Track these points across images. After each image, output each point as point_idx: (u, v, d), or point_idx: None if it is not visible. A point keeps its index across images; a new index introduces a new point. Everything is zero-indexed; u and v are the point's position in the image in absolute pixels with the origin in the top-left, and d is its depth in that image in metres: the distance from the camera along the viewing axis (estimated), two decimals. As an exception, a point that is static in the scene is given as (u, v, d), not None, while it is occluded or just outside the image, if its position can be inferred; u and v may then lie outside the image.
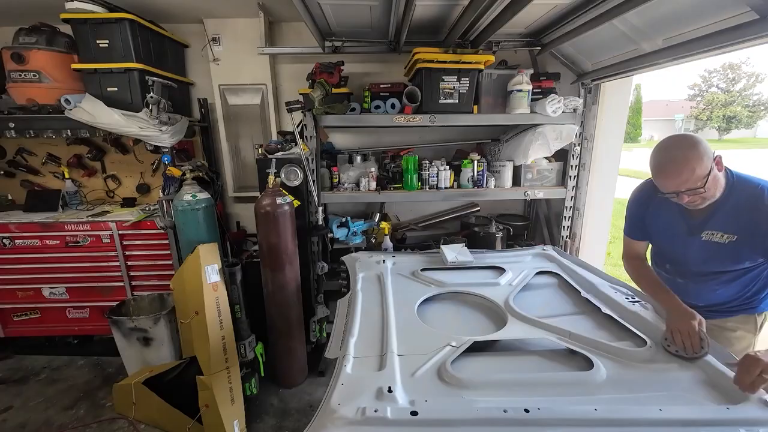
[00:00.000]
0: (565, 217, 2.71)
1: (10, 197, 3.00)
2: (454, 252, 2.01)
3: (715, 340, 1.23)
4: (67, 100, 2.27)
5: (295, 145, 2.36)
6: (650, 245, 1.65)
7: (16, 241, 2.59)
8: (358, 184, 2.62)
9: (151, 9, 2.44)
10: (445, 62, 2.26)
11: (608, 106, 2.65)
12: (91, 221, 2.59)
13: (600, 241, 2.99)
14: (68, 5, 2.20)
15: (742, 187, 1.31)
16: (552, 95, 2.41)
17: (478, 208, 3.04)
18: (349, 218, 2.76)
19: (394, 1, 1.86)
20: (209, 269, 2.07)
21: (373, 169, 2.58)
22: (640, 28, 1.89)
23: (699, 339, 1.15)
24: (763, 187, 1.28)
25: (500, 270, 1.95)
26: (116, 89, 2.37)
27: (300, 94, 2.53)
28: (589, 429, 0.91)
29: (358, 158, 2.76)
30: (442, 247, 2.07)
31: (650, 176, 1.37)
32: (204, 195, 2.30)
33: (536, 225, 3.12)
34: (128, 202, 2.99)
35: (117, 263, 2.66)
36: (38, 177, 3.04)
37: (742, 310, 1.47)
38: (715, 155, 1.25)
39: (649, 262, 1.67)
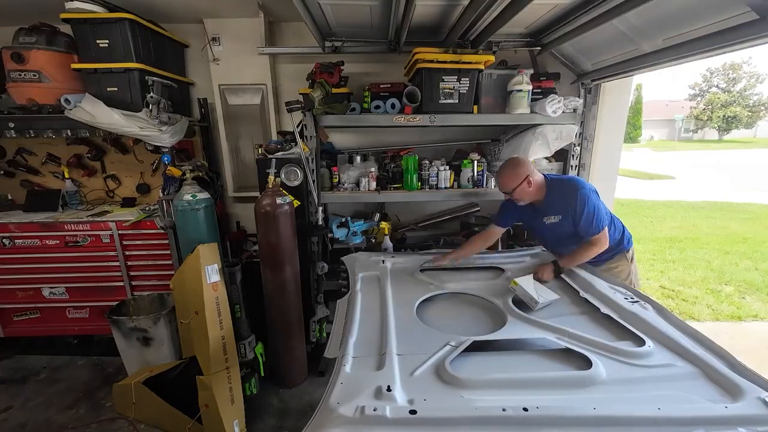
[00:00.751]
0: (564, 217, 2.71)
1: (10, 197, 3.00)
2: (534, 288, 1.64)
3: (608, 275, 1.84)
4: (67, 100, 2.27)
5: (295, 145, 2.36)
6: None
7: (16, 241, 2.59)
8: (358, 184, 2.62)
9: (151, 9, 2.44)
10: (445, 62, 2.26)
11: (608, 106, 2.65)
12: (91, 221, 2.59)
13: (600, 241, 2.98)
14: (68, 5, 2.20)
15: (555, 185, 1.96)
16: (552, 95, 2.41)
17: (478, 208, 3.04)
18: (349, 218, 2.76)
19: (394, 1, 1.86)
20: (209, 269, 2.07)
21: (373, 169, 2.58)
22: (640, 28, 1.89)
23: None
24: (568, 180, 1.99)
25: (500, 270, 1.96)
26: (116, 89, 2.37)
27: (300, 94, 2.53)
28: (588, 428, 0.91)
29: (358, 158, 2.76)
30: (519, 283, 1.65)
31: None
32: (204, 195, 2.30)
33: (536, 225, 3.12)
34: (128, 202, 3.00)
35: (117, 263, 2.66)
36: (38, 177, 3.04)
37: (615, 253, 2.05)
38: (526, 176, 1.89)
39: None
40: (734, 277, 4.73)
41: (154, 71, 2.44)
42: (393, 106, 2.40)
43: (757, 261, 5.31)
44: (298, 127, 2.39)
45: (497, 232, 2.18)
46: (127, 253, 2.66)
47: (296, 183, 2.44)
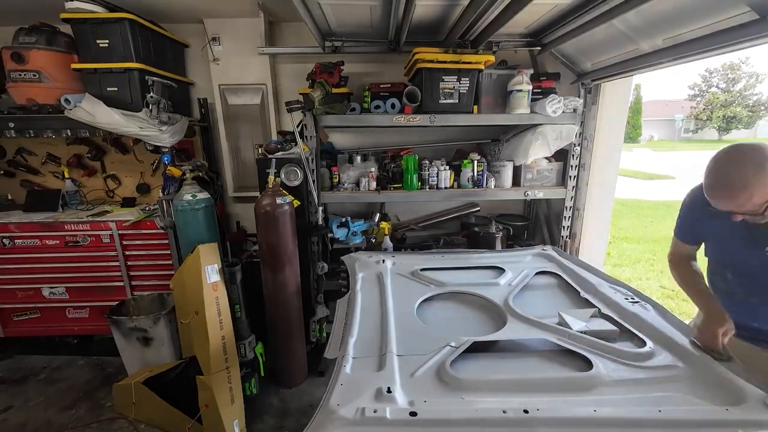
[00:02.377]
0: (565, 217, 2.71)
1: (10, 197, 3.00)
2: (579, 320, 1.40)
3: None
4: (67, 100, 2.27)
5: (295, 145, 2.36)
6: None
7: (16, 241, 2.59)
8: (358, 184, 2.62)
9: (151, 9, 2.44)
10: (445, 62, 2.25)
11: (608, 106, 2.65)
12: (91, 221, 2.59)
13: (600, 241, 2.98)
14: (68, 5, 2.20)
15: None
16: (552, 95, 2.41)
17: (478, 208, 3.04)
18: (349, 218, 2.76)
19: (394, 1, 1.86)
20: (209, 269, 2.07)
21: (373, 169, 2.58)
22: (640, 27, 1.89)
23: (720, 346, 1.13)
24: None
25: (500, 270, 1.95)
26: (116, 89, 2.37)
27: (300, 94, 2.53)
28: (589, 430, 0.91)
29: (358, 158, 2.76)
30: (564, 316, 1.40)
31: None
32: (204, 195, 2.30)
33: (536, 225, 3.12)
34: (128, 202, 3.00)
35: (117, 263, 2.66)
36: (38, 177, 3.04)
37: None
38: None
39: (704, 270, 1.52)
40: (734, 277, 4.71)
41: (154, 71, 2.44)
42: (393, 106, 2.39)
43: (757, 261, 5.29)
44: (298, 127, 2.39)
45: (690, 250, 1.52)
46: (127, 253, 2.66)
47: (296, 183, 2.44)
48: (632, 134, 28.42)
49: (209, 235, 2.28)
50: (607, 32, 2.02)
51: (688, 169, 16.22)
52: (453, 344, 1.25)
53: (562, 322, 1.36)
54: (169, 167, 2.37)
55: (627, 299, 1.53)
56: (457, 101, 2.37)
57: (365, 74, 2.82)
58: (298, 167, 2.41)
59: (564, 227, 2.74)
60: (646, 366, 1.14)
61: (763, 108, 31.55)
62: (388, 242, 2.69)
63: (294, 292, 2.39)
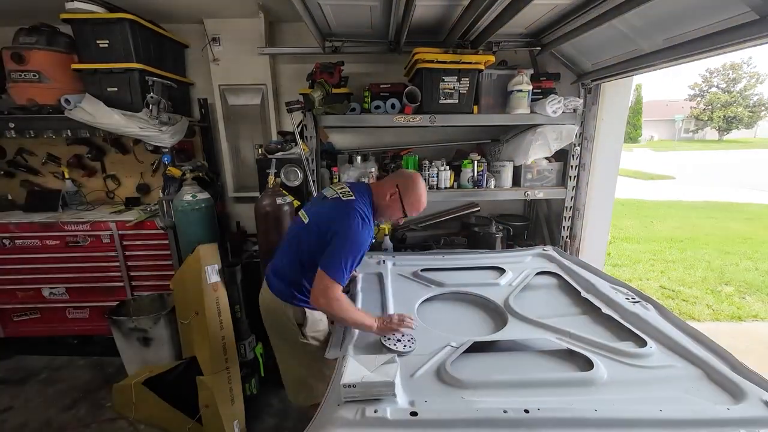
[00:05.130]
0: (565, 217, 2.71)
1: (10, 197, 3.00)
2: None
3: None
4: (67, 100, 2.27)
5: (295, 145, 2.36)
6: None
7: (16, 241, 2.59)
8: (358, 185, 2.62)
9: (151, 9, 2.44)
10: (445, 62, 2.25)
11: (608, 106, 2.65)
12: (91, 221, 2.59)
13: (600, 241, 2.98)
14: (68, 5, 2.20)
15: None
16: (552, 95, 2.41)
17: (478, 208, 3.04)
18: (349, 218, 2.75)
19: (394, 1, 1.86)
20: (209, 269, 2.07)
21: (373, 170, 2.58)
22: (640, 28, 1.89)
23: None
24: None
25: (500, 270, 1.95)
26: (116, 89, 2.37)
27: (300, 94, 2.53)
28: (589, 429, 0.91)
29: (358, 158, 2.75)
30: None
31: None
32: (204, 195, 2.30)
33: (536, 225, 3.12)
34: (128, 202, 3.00)
35: (117, 263, 2.65)
36: (38, 177, 3.04)
37: None
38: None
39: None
40: (734, 277, 4.73)
41: (154, 71, 2.44)
42: (393, 106, 2.39)
43: (757, 261, 5.31)
44: (298, 127, 2.38)
45: None
46: (127, 253, 2.65)
47: (296, 183, 2.44)
48: (632, 134, 28.45)
49: (209, 235, 2.28)
50: (607, 32, 2.02)
51: (688, 169, 16.23)
52: (453, 344, 1.25)
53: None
54: (169, 167, 2.37)
55: (628, 299, 1.53)
56: (457, 101, 2.37)
57: (365, 74, 2.82)
58: (298, 167, 2.41)
59: (564, 227, 2.74)
60: (646, 366, 1.15)
61: (763, 108, 31.56)
62: (388, 242, 2.69)
63: (294, 293, 2.38)
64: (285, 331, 1.61)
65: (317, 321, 1.62)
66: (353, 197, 1.51)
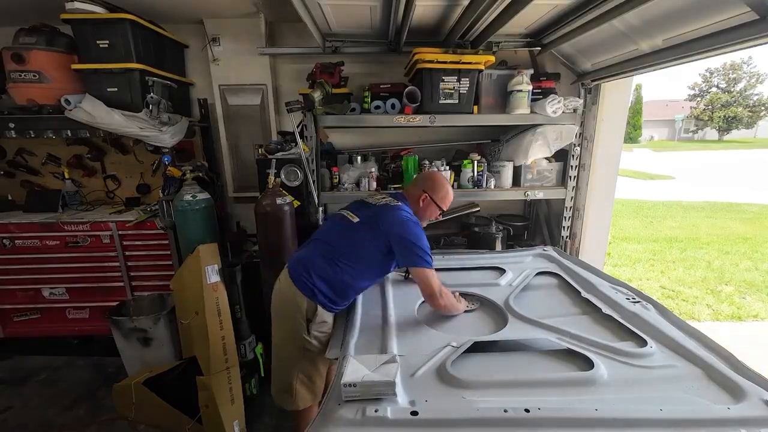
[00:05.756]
0: (565, 217, 2.71)
1: (10, 197, 3.00)
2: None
3: None
4: (67, 101, 2.27)
5: (295, 145, 2.36)
6: None
7: (16, 241, 2.59)
8: (358, 185, 2.62)
9: (151, 9, 2.44)
10: (445, 62, 2.25)
11: (608, 106, 2.65)
12: (91, 221, 2.59)
13: (600, 241, 2.98)
14: (68, 6, 2.19)
15: None
16: (552, 95, 2.41)
17: (478, 209, 3.04)
18: (349, 218, 2.75)
19: (394, 1, 1.86)
20: (209, 269, 2.06)
21: (373, 170, 2.58)
22: (640, 27, 1.89)
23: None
24: None
25: (500, 270, 1.95)
26: (116, 89, 2.37)
27: (300, 94, 2.53)
28: (590, 429, 0.91)
29: (358, 158, 2.75)
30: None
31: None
32: (204, 195, 2.30)
33: (536, 225, 3.12)
34: (128, 203, 3.00)
35: (117, 263, 2.65)
36: (38, 177, 3.04)
37: None
38: None
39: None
40: (734, 277, 4.73)
41: (154, 71, 2.44)
42: (393, 106, 2.39)
43: (757, 261, 5.31)
44: (298, 127, 2.38)
45: None
46: (127, 253, 2.65)
47: (296, 183, 2.44)
48: (632, 134, 28.46)
49: (209, 235, 2.28)
50: (607, 32, 2.02)
51: (688, 169, 16.24)
52: (454, 344, 1.25)
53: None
54: (169, 168, 2.37)
55: (628, 299, 1.53)
56: (457, 101, 2.37)
57: (365, 74, 2.82)
58: (298, 167, 2.41)
59: (564, 227, 2.74)
60: (647, 365, 1.14)
61: (763, 108, 31.57)
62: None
63: (294, 293, 2.38)
64: (291, 323, 1.60)
65: (324, 322, 1.61)
66: (399, 203, 1.67)
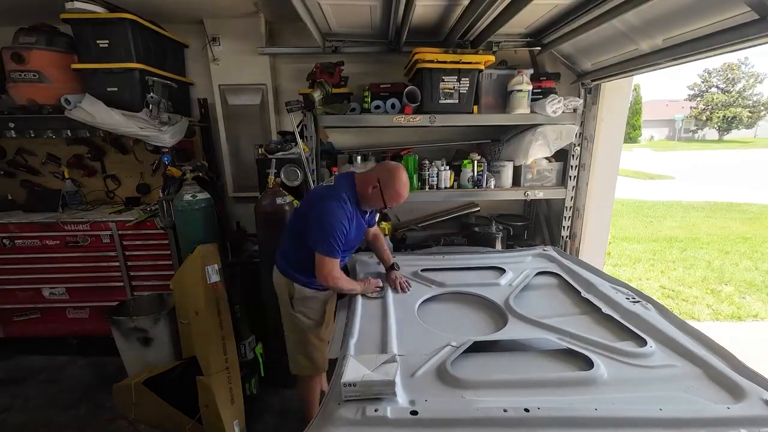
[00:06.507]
0: (565, 217, 2.71)
1: (10, 197, 3.00)
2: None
3: None
4: (67, 100, 2.27)
5: (295, 145, 2.36)
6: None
7: (16, 241, 2.59)
8: (358, 184, 2.62)
9: (151, 9, 2.44)
10: (445, 62, 2.25)
11: (608, 106, 2.65)
12: (91, 221, 2.59)
13: (600, 241, 2.98)
14: (68, 5, 2.19)
15: None
16: (552, 95, 2.41)
17: (478, 208, 3.04)
18: (349, 218, 2.75)
19: (394, 1, 1.86)
20: (209, 269, 2.07)
21: (373, 170, 2.58)
22: (640, 27, 1.89)
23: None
24: None
25: (500, 270, 1.95)
26: (116, 89, 2.37)
27: (300, 94, 2.53)
28: (590, 429, 0.91)
29: (358, 158, 2.75)
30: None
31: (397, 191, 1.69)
32: (204, 195, 2.30)
33: (536, 225, 3.12)
34: (128, 202, 3.00)
35: (117, 263, 2.66)
36: (38, 177, 3.04)
37: None
38: None
39: None
40: (734, 277, 4.73)
41: (154, 71, 2.44)
42: (393, 106, 2.39)
43: (757, 261, 5.31)
44: (298, 127, 2.38)
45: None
46: (127, 253, 2.66)
47: (296, 183, 2.44)
48: (632, 134, 28.47)
49: (209, 235, 2.28)
50: (607, 32, 2.02)
51: (688, 169, 16.24)
52: (454, 344, 1.25)
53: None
54: (169, 167, 2.37)
55: (628, 299, 1.53)
56: (457, 101, 2.37)
57: (365, 74, 2.82)
58: (298, 167, 2.41)
59: (564, 227, 2.74)
60: (647, 365, 1.14)
61: (763, 108, 31.58)
62: (388, 242, 2.69)
63: (294, 292, 2.38)
64: (283, 303, 1.89)
65: (306, 298, 1.83)
66: (332, 184, 1.75)
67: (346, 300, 1.77)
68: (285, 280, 1.84)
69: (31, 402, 2.42)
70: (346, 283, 1.72)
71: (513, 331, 1.39)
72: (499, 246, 2.63)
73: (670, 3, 1.64)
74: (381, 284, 1.78)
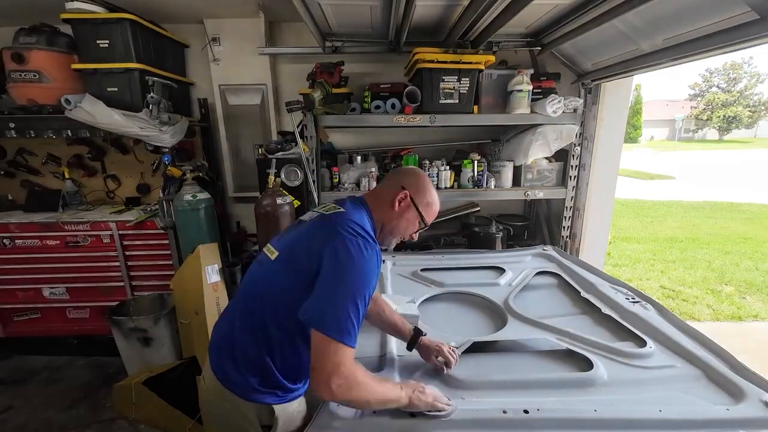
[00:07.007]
0: (565, 217, 2.71)
1: (10, 197, 3.00)
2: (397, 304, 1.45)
3: None
4: (67, 100, 2.27)
5: (295, 145, 2.36)
6: None
7: (16, 241, 2.59)
8: (358, 184, 2.62)
9: (151, 9, 2.44)
10: (445, 62, 2.25)
11: (608, 106, 2.65)
12: (91, 221, 2.59)
13: (600, 241, 2.98)
14: (68, 5, 2.19)
15: None
16: (552, 95, 2.41)
17: (478, 208, 3.04)
18: (349, 218, 2.75)
19: (394, 1, 1.86)
20: (209, 269, 2.07)
21: (373, 169, 2.58)
22: (640, 27, 1.89)
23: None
24: None
25: (500, 270, 1.95)
26: (116, 89, 2.37)
27: (300, 94, 2.53)
28: (589, 430, 0.91)
29: (359, 158, 2.75)
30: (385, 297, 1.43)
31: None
32: (204, 195, 2.30)
33: (536, 225, 3.12)
34: (128, 202, 3.00)
35: (117, 263, 2.65)
36: (38, 177, 3.04)
37: None
38: None
39: None
40: (735, 277, 4.72)
41: (154, 71, 2.44)
42: (393, 106, 2.39)
43: (757, 261, 5.31)
44: (298, 127, 2.38)
45: None
46: (127, 253, 2.65)
47: (296, 183, 2.44)
48: (632, 134, 28.46)
49: (209, 235, 2.28)
50: (607, 32, 2.02)
51: (688, 169, 16.23)
52: (453, 344, 1.25)
53: None
54: (169, 167, 2.37)
55: (627, 299, 1.53)
56: (457, 101, 2.37)
57: (365, 74, 2.82)
58: (298, 167, 2.41)
59: (564, 227, 2.74)
60: (646, 366, 1.14)
61: (763, 108, 31.55)
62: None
63: (294, 292, 2.38)
64: None
65: (292, 419, 1.06)
66: (342, 209, 1.04)
67: None
68: (249, 405, 1.01)
69: (31, 402, 2.42)
70: (376, 388, 0.91)
71: (512, 331, 1.39)
72: (499, 246, 2.63)
73: (671, 3, 1.63)
74: (447, 400, 0.98)
